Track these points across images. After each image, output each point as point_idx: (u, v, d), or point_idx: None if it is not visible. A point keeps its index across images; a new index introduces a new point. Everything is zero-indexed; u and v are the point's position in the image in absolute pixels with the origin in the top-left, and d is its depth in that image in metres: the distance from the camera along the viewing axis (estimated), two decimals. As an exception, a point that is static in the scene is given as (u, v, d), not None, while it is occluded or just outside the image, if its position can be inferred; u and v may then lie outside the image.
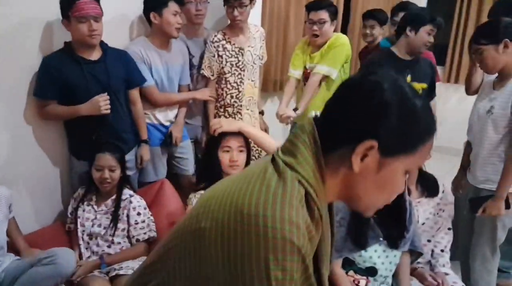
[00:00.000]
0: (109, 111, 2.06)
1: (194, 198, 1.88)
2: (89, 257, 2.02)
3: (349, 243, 1.71)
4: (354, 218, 1.68)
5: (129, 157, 2.26)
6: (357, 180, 0.76)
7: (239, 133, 1.85)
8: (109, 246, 2.04)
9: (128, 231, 2.07)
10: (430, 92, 2.60)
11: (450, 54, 4.77)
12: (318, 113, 0.81)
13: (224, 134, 1.84)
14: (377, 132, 0.72)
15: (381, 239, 1.73)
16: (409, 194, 1.89)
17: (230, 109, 2.68)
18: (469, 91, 2.75)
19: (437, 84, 2.73)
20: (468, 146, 2.31)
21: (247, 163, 1.91)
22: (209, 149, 1.93)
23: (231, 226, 0.71)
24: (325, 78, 2.68)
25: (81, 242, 2.05)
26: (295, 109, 2.66)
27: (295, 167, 0.75)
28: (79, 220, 2.07)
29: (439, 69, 4.65)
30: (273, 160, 0.78)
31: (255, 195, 0.72)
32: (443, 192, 2.09)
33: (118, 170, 2.03)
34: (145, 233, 2.08)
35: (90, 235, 2.05)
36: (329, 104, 0.80)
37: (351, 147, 0.73)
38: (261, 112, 2.96)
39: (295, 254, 0.69)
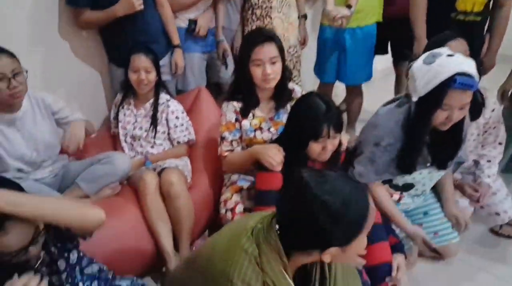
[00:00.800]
0: (142, 6, 2.03)
1: (227, 107, 1.85)
2: (133, 156, 2.14)
3: (392, 168, 1.64)
4: (406, 146, 1.58)
5: (163, 61, 2.25)
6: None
7: (271, 41, 1.71)
8: (152, 147, 2.14)
9: (169, 133, 2.15)
10: None
11: None
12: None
13: (253, 46, 1.70)
14: (331, 243, 0.96)
15: (428, 164, 1.65)
16: None
17: (258, 12, 2.48)
18: None
19: None
20: None
21: (283, 73, 1.78)
22: (240, 62, 1.81)
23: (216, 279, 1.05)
24: None
25: (124, 144, 2.17)
26: (348, 6, 2.38)
27: (258, 253, 1.02)
28: (120, 124, 2.17)
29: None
30: (252, 233, 1.05)
31: (234, 265, 1.01)
32: (493, 110, 1.91)
33: (153, 71, 2.05)
34: (185, 136, 2.15)
35: (133, 137, 2.15)
36: (284, 210, 1.02)
37: (319, 251, 0.98)
38: (304, 17, 2.75)
39: None
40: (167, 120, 2.13)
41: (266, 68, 1.69)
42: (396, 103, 1.66)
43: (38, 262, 1.18)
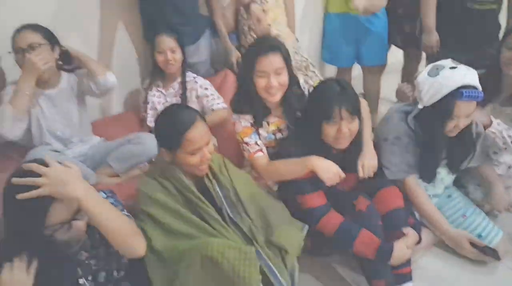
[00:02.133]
0: None
1: (238, 119, 1.74)
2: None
3: (406, 165, 1.79)
4: (424, 155, 1.74)
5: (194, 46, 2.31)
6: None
7: (276, 51, 1.60)
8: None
9: (202, 108, 2.17)
10: None
11: None
12: None
13: (256, 56, 1.59)
14: (162, 145, 1.45)
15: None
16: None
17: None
18: None
19: None
20: None
21: (290, 81, 1.66)
22: (243, 72, 1.71)
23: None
24: None
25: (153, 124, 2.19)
26: None
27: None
28: (149, 106, 2.21)
29: None
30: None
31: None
32: None
33: (178, 50, 2.13)
34: (218, 103, 2.17)
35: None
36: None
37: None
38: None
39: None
40: (197, 97, 2.17)
41: (271, 80, 1.59)
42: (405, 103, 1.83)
43: (79, 246, 1.18)
